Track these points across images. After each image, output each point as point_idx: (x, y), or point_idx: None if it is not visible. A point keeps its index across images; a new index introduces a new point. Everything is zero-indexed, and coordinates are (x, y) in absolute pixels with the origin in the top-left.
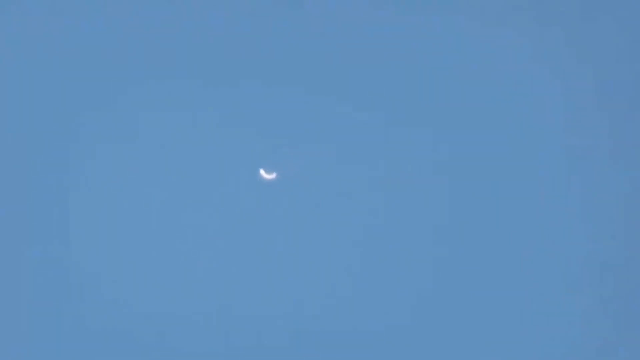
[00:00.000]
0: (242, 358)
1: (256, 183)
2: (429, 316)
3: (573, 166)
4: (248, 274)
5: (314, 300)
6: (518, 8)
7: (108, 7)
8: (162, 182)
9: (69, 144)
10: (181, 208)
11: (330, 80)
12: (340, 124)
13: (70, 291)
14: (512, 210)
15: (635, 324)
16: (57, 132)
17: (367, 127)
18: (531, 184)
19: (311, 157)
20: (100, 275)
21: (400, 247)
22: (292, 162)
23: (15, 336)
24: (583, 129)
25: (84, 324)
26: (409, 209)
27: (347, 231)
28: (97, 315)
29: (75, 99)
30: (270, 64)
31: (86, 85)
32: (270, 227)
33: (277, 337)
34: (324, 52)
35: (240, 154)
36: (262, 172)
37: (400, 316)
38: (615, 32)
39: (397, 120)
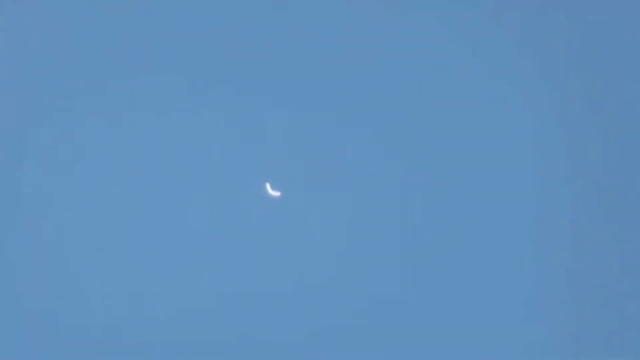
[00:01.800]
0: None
1: (250, 185)
2: (426, 319)
3: (566, 167)
4: (245, 276)
5: (310, 303)
6: (508, 9)
7: (98, 5)
8: (156, 183)
9: (62, 141)
10: (174, 210)
11: (325, 82)
12: (334, 126)
13: (63, 293)
14: (505, 212)
15: (632, 325)
16: (50, 130)
17: (362, 130)
18: (523, 186)
19: (306, 159)
20: (93, 276)
21: (396, 250)
22: (287, 163)
23: (9, 335)
24: (577, 130)
25: (76, 324)
26: (404, 211)
27: (341, 232)
28: (88, 316)
29: (70, 96)
30: (266, 65)
31: (80, 82)
32: (266, 229)
33: (273, 339)
34: (315, 53)
35: (235, 155)
36: (268, 187)
37: (399, 320)
38: (608, 35)
39: (392, 122)
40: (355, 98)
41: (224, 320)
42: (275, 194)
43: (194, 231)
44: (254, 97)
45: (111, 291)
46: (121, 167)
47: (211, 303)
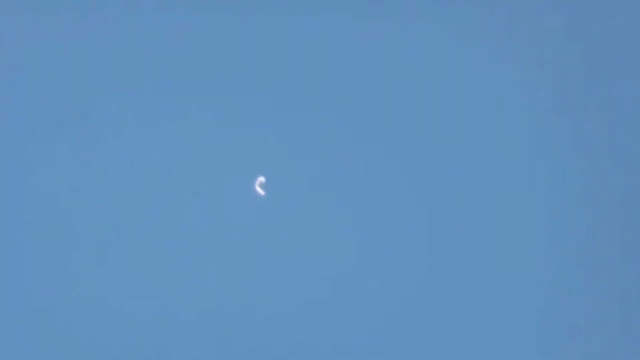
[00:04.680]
0: None
1: (246, 190)
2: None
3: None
4: (245, 280)
5: (309, 311)
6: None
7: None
8: (157, 185)
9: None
10: (176, 212)
11: (327, 84)
12: (337, 128)
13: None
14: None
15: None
16: (52, 132)
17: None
18: (527, 197)
19: (308, 161)
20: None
21: (396, 257)
22: (288, 165)
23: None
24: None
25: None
26: (403, 219)
27: (340, 241)
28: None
29: (70, 98)
30: (265, 66)
31: (79, 84)
32: (267, 232)
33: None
34: (316, 54)
35: (232, 159)
36: (258, 183)
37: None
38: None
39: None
40: (364, 102)
41: (225, 323)
42: (261, 192)
43: (196, 234)
44: (254, 97)
45: (108, 292)
46: (120, 169)
47: (214, 309)
